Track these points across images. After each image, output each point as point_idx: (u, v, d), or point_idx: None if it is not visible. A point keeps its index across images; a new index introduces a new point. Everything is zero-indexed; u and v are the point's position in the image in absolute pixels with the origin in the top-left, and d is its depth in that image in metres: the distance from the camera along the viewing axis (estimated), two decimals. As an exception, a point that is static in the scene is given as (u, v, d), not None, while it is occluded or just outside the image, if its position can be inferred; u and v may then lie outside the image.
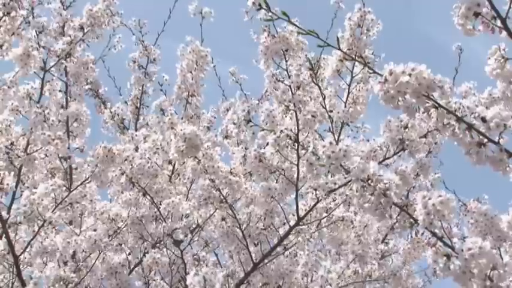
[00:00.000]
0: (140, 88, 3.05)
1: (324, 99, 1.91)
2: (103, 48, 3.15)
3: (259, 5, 1.14)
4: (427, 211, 1.13)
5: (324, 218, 2.20)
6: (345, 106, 2.03)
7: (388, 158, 2.09)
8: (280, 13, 1.15)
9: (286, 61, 1.78)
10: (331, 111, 2.03)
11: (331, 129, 2.03)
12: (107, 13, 2.50)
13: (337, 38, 1.13)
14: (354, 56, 1.69)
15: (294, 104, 1.85)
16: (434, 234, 1.17)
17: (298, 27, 1.14)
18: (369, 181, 1.14)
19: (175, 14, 3.13)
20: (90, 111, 2.27)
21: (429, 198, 1.13)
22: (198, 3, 2.51)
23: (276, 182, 2.09)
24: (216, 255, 2.49)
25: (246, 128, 1.82)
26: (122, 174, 2.14)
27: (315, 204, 2.14)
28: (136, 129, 2.89)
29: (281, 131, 1.73)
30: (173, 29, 3.32)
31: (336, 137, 2.12)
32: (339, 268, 2.32)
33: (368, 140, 2.09)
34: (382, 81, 1.08)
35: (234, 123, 1.85)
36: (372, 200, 1.14)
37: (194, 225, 2.30)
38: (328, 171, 1.18)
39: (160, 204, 2.19)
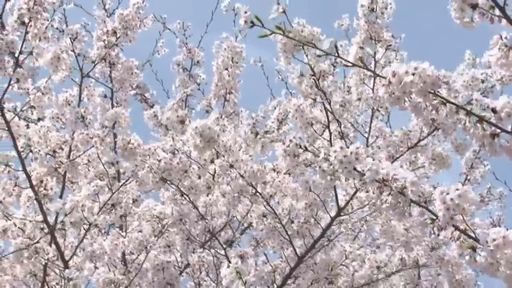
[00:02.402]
0: (185, 90, 3.08)
1: (329, 103, 1.89)
2: (149, 52, 3.22)
3: (252, 22, 1.13)
4: (446, 206, 1.11)
5: (364, 206, 2.20)
6: (373, 92, 2.01)
7: (423, 140, 2.07)
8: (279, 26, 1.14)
9: (306, 55, 1.77)
10: (359, 99, 2.01)
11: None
12: (139, 16, 2.52)
13: (336, 46, 1.11)
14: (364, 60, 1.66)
15: (321, 96, 1.85)
16: (457, 228, 1.15)
17: (293, 39, 1.13)
18: (385, 181, 1.14)
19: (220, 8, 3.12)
20: (139, 115, 2.29)
21: (447, 193, 1.11)
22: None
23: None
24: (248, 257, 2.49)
25: (254, 142, 1.83)
26: (151, 171, 2.14)
27: (354, 194, 2.14)
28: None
29: (290, 141, 1.72)
30: (219, 23, 3.30)
31: (369, 125, 2.11)
32: (385, 256, 2.31)
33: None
34: (386, 84, 1.06)
35: (246, 135, 1.86)
36: (389, 200, 1.13)
37: (244, 226, 2.32)
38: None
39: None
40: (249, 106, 3.15)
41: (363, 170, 1.16)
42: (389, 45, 1.91)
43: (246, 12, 1.34)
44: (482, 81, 1.85)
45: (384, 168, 1.14)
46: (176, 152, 2.28)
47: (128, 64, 2.59)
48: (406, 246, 2.26)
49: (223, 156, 2.00)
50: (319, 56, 1.14)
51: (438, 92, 1.05)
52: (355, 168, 1.17)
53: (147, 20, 2.54)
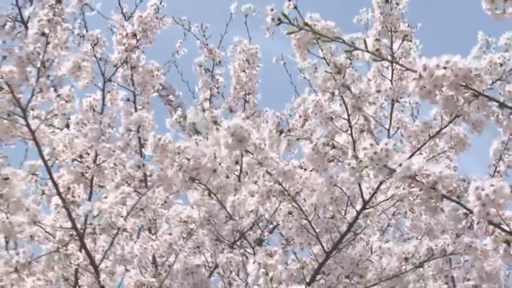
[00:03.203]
0: (209, 91, 3.07)
1: (352, 94, 1.87)
2: (171, 53, 3.23)
3: (279, 19, 1.13)
4: (482, 202, 1.10)
5: (389, 198, 2.18)
6: (391, 83, 2.00)
7: (444, 128, 2.05)
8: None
9: (321, 50, 1.76)
10: (378, 91, 2.00)
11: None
12: (157, 17, 2.52)
13: (364, 40, 1.11)
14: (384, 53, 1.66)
15: (339, 90, 1.84)
16: (490, 222, 1.14)
17: (321, 35, 1.13)
18: (416, 177, 1.13)
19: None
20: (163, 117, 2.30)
21: (482, 189, 1.10)
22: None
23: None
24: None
25: (278, 140, 1.82)
26: (180, 170, 2.12)
27: (378, 186, 2.12)
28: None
29: (317, 139, 1.72)
30: (240, 21, 3.29)
31: (389, 116, 2.10)
32: (412, 247, 2.29)
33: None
34: (417, 78, 1.06)
35: (271, 133, 1.85)
36: (421, 196, 1.13)
37: (272, 224, 2.32)
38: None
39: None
40: (273, 104, 3.16)
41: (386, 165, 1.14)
42: (406, 36, 1.89)
43: (272, 10, 1.33)
44: (501, 65, 1.82)
45: (414, 164, 1.13)
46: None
47: (148, 67, 2.60)
48: (430, 234, 2.24)
49: (252, 154, 1.97)
50: (348, 51, 1.13)
51: (470, 84, 1.04)
52: (385, 165, 1.16)
53: (166, 19, 2.55)
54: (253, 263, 1.88)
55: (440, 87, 1.06)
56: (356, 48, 1.13)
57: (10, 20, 2.06)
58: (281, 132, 1.83)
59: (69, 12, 2.08)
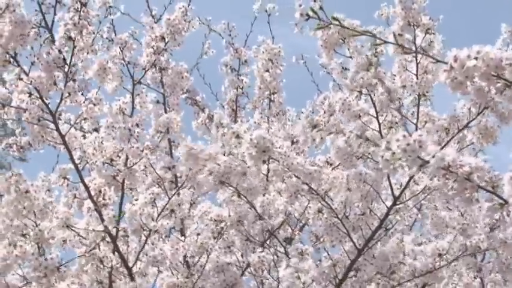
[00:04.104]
0: (235, 91, 3.09)
1: (389, 90, 1.86)
2: (196, 55, 3.24)
3: (307, 14, 1.14)
4: (516, 191, 1.10)
5: (419, 192, 2.17)
6: (417, 78, 1.99)
7: (472, 120, 2.04)
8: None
9: (348, 49, 1.76)
10: (403, 86, 1.99)
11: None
12: (185, 19, 2.54)
13: (394, 34, 1.11)
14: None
15: (366, 88, 1.84)
16: (527, 212, 1.13)
17: (350, 29, 1.13)
18: (450, 168, 1.12)
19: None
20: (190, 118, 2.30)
21: (517, 178, 1.09)
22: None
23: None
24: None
25: (313, 134, 1.82)
26: (210, 174, 2.11)
27: (408, 181, 2.11)
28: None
29: (350, 132, 1.72)
30: (265, 19, 3.29)
31: (416, 111, 2.09)
32: (446, 243, 2.27)
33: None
34: (448, 69, 1.05)
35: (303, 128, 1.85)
36: (455, 187, 1.12)
37: (302, 222, 2.31)
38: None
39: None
40: (294, 102, 3.15)
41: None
42: (429, 29, 1.88)
43: (300, 6, 1.35)
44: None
45: (448, 154, 1.13)
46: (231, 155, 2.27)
47: (177, 69, 2.62)
48: (464, 234, 2.22)
49: (278, 161, 1.98)
50: (377, 44, 1.13)
51: (502, 74, 1.04)
52: (419, 157, 1.15)
53: (194, 22, 2.56)
54: (286, 267, 1.88)
55: (472, 78, 1.06)
56: (385, 42, 1.13)
57: (34, 26, 2.08)
58: (314, 126, 1.83)
59: (93, 15, 2.10)
